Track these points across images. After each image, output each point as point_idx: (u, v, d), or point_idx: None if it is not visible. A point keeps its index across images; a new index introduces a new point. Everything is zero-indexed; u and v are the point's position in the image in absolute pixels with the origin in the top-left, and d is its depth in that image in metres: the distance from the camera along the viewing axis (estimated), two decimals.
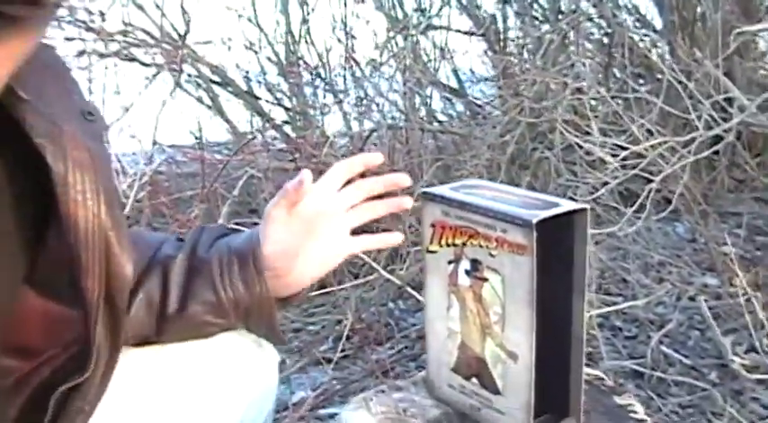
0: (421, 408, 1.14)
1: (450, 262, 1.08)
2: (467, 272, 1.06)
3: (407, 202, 1.15)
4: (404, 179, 1.15)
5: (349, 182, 1.13)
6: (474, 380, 1.10)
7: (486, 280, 1.03)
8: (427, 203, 1.10)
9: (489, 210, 1.01)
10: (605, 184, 2.30)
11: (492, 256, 1.02)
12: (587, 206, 1.03)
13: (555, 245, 1.03)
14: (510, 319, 1.02)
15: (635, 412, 1.15)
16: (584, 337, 1.07)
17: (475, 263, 1.04)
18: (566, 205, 1.03)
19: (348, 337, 2.52)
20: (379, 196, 1.15)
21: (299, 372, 2.51)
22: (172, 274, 1.05)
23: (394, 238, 1.18)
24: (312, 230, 1.08)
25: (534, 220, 0.96)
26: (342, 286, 2.46)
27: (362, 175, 1.15)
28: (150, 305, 1.05)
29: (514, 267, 0.99)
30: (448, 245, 1.08)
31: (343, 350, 2.49)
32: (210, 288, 1.04)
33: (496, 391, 1.07)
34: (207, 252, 1.06)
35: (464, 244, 1.05)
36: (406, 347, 2.55)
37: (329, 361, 2.47)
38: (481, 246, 1.03)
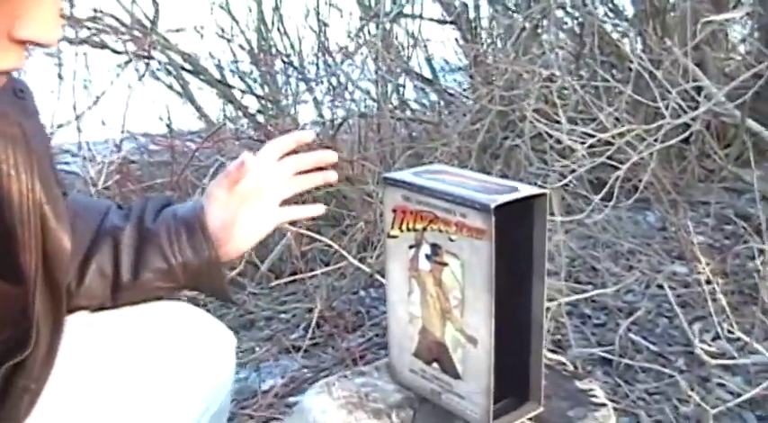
0: (383, 392, 1.14)
1: (411, 247, 1.08)
2: (427, 256, 1.06)
3: (332, 176, 1.24)
4: (330, 156, 1.24)
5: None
6: (435, 364, 1.10)
7: (445, 264, 1.03)
8: (388, 188, 1.09)
9: (449, 194, 1.01)
10: (573, 171, 2.30)
11: (452, 240, 1.02)
12: (547, 191, 1.04)
13: (515, 230, 1.03)
14: (469, 304, 1.02)
15: (596, 396, 1.15)
16: (544, 322, 1.08)
17: (435, 247, 1.04)
18: (525, 190, 1.03)
19: (318, 325, 2.53)
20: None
21: (269, 360, 2.51)
22: (122, 245, 1.09)
23: (316, 209, 1.27)
24: (248, 203, 1.14)
25: (493, 205, 0.96)
26: (313, 273, 2.45)
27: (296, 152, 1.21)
28: (103, 275, 1.08)
29: (473, 252, 0.99)
30: (409, 229, 1.08)
31: (313, 338, 2.49)
32: (160, 256, 1.09)
33: (457, 376, 1.07)
34: (153, 222, 1.10)
35: (424, 229, 1.05)
36: (376, 335, 2.54)
37: (299, 349, 2.47)
38: (441, 230, 1.03)
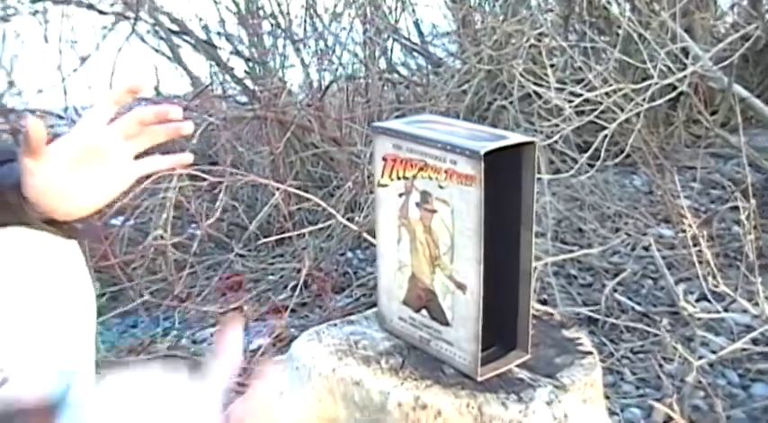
0: (372, 340, 1.15)
1: (400, 195, 1.09)
2: (417, 204, 1.07)
3: (188, 127, 1.14)
4: (175, 110, 1.12)
5: None
6: (424, 312, 1.11)
7: (435, 212, 1.04)
8: (378, 137, 1.10)
9: (439, 141, 1.02)
10: (560, 132, 2.31)
11: (441, 187, 1.02)
12: (535, 140, 1.04)
13: (504, 179, 1.03)
14: (459, 251, 1.03)
15: (582, 345, 1.17)
16: (531, 271, 1.09)
17: (425, 195, 1.05)
18: (514, 138, 1.03)
19: (306, 286, 2.53)
20: None
21: (257, 320, 2.52)
22: None
23: (185, 158, 1.18)
24: (85, 164, 1.07)
25: (482, 151, 0.97)
26: (300, 231, 2.45)
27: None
28: None
29: (463, 199, 1.00)
30: (399, 178, 1.08)
31: (301, 298, 2.50)
32: None
33: (446, 323, 1.08)
34: None
35: (414, 176, 1.06)
36: (363, 295, 2.56)
37: (287, 309, 2.48)
38: (431, 178, 1.03)
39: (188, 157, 1.17)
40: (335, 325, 1.20)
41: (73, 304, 1.11)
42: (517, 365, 1.10)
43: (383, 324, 1.18)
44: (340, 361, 1.09)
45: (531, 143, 1.03)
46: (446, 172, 1.01)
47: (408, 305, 1.13)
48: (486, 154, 0.97)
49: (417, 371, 1.08)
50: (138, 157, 1.12)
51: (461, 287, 1.04)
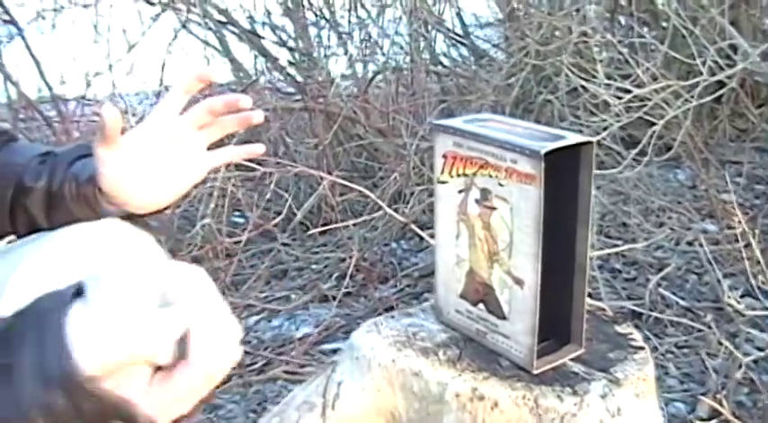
0: (429, 332, 1.18)
1: (460, 191, 1.11)
2: (476, 201, 1.09)
3: (258, 116, 1.15)
4: (245, 99, 1.13)
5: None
6: (481, 305, 1.14)
7: (495, 208, 1.07)
8: (439, 135, 1.12)
9: (500, 141, 1.04)
10: (606, 128, 2.32)
11: (501, 185, 1.05)
12: (593, 139, 1.06)
13: (561, 176, 1.06)
14: (517, 247, 1.05)
15: (634, 340, 1.19)
16: (587, 267, 1.11)
17: (485, 192, 1.08)
18: (572, 138, 1.06)
19: (351, 276, 2.57)
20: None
21: (302, 308, 2.56)
22: (32, 208, 1.11)
23: (257, 148, 1.19)
24: (155, 157, 1.09)
25: (543, 151, 0.99)
26: (346, 223, 2.49)
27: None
28: (28, 228, 1.13)
29: (522, 196, 1.02)
30: (458, 175, 1.11)
31: (344, 287, 2.53)
32: (69, 215, 1.10)
33: (502, 316, 1.10)
34: (60, 185, 1.10)
35: (474, 174, 1.08)
36: (408, 286, 2.59)
37: (333, 298, 2.51)
38: (491, 176, 1.06)
39: (260, 148, 1.19)
40: (393, 317, 1.23)
41: None
42: (571, 359, 1.12)
43: (440, 316, 1.21)
44: (399, 352, 1.12)
45: (590, 143, 1.05)
46: (506, 170, 1.04)
47: (465, 298, 1.16)
48: (546, 154, 0.99)
49: (474, 363, 1.11)
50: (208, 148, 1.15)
51: (519, 282, 1.06)
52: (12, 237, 1.16)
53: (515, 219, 1.04)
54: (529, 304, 1.06)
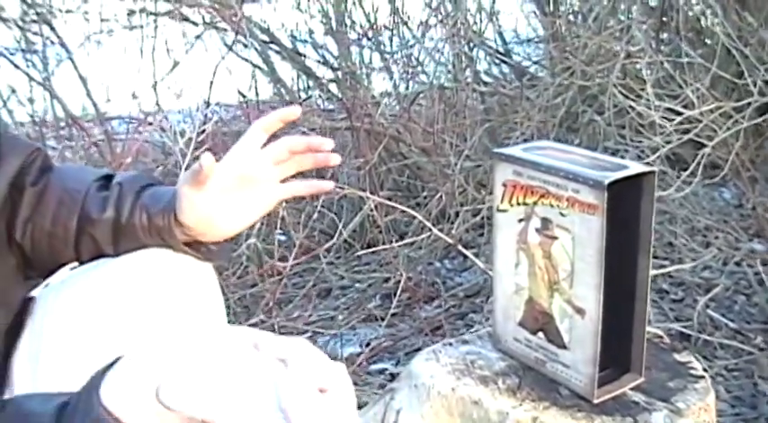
0: (487, 360, 1.19)
1: (520, 220, 1.12)
2: (537, 230, 1.10)
3: (336, 159, 1.17)
4: (327, 143, 1.16)
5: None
6: (540, 334, 1.14)
7: (556, 238, 1.07)
8: (499, 164, 1.13)
9: (561, 170, 1.05)
10: (655, 149, 2.31)
11: (563, 215, 1.05)
12: (656, 169, 1.06)
13: (622, 205, 1.06)
14: (579, 276, 1.05)
15: (694, 369, 1.18)
16: (647, 296, 1.11)
17: (545, 221, 1.08)
18: (634, 167, 1.06)
19: (395, 295, 2.57)
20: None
21: (347, 328, 2.57)
22: (99, 241, 1.13)
23: (326, 185, 1.23)
24: (236, 190, 1.12)
25: (606, 182, 0.99)
26: (393, 244, 2.49)
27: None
28: (94, 257, 1.15)
29: (584, 226, 1.03)
30: (519, 204, 1.11)
31: (391, 307, 2.54)
32: (139, 245, 1.13)
33: (562, 346, 1.10)
34: (130, 217, 1.12)
35: (535, 203, 1.09)
36: (453, 306, 2.59)
37: (379, 318, 2.52)
38: (552, 205, 1.06)
39: (328, 185, 1.22)
40: (450, 344, 1.23)
41: (206, 326, 1.16)
42: (631, 388, 1.12)
43: (497, 344, 1.21)
44: (458, 381, 1.13)
45: (652, 173, 1.05)
46: (568, 200, 1.04)
47: (524, 327, 1.16)
48: (610, 184, 0.99)
49: (534, 392, 1.11)
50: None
51: (580, 311, 1.06)
52: (74, 263, 1.18)
53: (577, 248, 1.04)
54: (590, 333, 1.06)
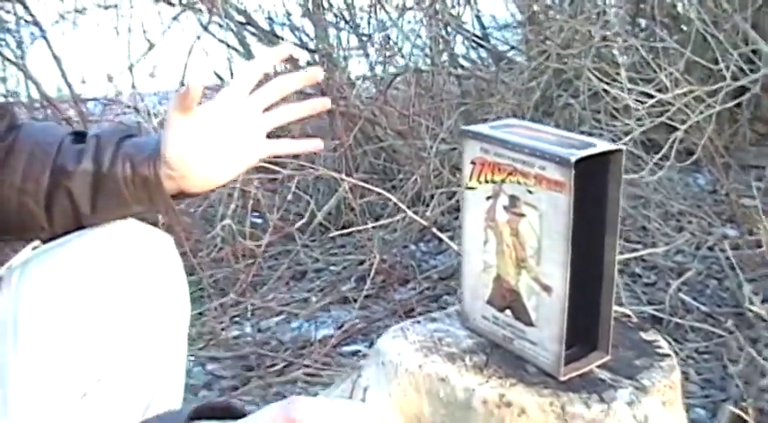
0: (455, 338, 1.19)
1: (488, 198, 1.11)
2: (504, 207, 1.09)
3: (326, 103, 1.17)
4: (318, 72, 1.15)
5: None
6: (507, 312, 1.14)
7: (523, 215, 1.07)
8: (468, 141, 1.13)
9: (529, 148, 1.04)
10: (627, 133, 2.32)
11: (530, 192, 1.05)
12: (623, 147, 1.06)
13: (590, 184, 1.06)
14: (546, 254, 1.05)
15: (660, 347, 1.19)
16: (614, 274, 1.11)
17: (513, 199, 1.08)
18: (602, 146, 1.06)
19: (371, 278, 2.57)
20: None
21: (321, 310, 2.57)
22: (75, 195, 1.09)
23: (314, 144, 1.20)
24: (221, 134, 1.09)
25: (573, 159, 0.99)
26: (368, 226, 2.49)
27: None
28: (66, 216, 1.11)
29: (552, 204, 1.03)
30: (487, 181, 1.11)
31: (365, 289, 2.54)
32: (120, 202, 1.10)
33: (529, 323, 1.11)
34: (111, 167, 1.08)
35: (503, 181, 1.08)
36: (427, 288, 2.59)
37: (353, 300, 2.52)
38: (519, 182, 1.06)
39: (319, 143, 1.19)
40: (419, 322, 1.23)
41: (168, 304, 1.15)
42: (598, 366, 1.12)
43: (465, 322, 1.21)
44: (426, 358, 1.13)
45: (619, 151, 1.05)
46: (535, 177, 1.04)
47: (492, 305, 1.16)
48: (576, 161, 0.99)
49: (501, 369, 1.11)
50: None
51: (547, 289, 1.07)
52: (36, 242, 1.14)
53: (544, 226, 1.05)
54: (556, 311, 1.06)
